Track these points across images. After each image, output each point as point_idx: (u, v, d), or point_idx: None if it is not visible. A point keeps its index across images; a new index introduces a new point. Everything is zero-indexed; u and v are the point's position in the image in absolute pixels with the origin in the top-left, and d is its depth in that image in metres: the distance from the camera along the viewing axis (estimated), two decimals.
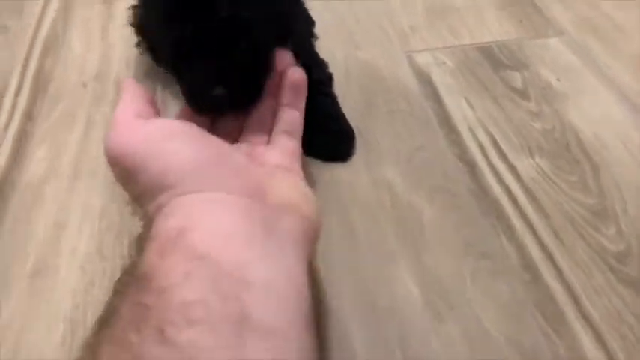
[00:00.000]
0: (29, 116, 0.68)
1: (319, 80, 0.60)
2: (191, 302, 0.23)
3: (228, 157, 0.33)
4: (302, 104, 0.42)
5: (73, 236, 0.54)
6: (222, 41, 0.42)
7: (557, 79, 0.69)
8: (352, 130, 0.60)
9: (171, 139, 0.32)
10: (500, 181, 0.57)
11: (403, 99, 0.67)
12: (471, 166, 0.59)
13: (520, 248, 0.51)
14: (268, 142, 0.41)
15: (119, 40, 0.80)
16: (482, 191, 0.56)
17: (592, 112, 0.64)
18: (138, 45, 0.67)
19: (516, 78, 0.69)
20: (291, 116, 0.41)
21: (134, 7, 0.63)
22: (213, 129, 0.43)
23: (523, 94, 0.67)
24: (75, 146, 0.64)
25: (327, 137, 0.58)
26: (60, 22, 0.84)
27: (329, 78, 0.64)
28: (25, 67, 0.75)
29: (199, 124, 0.36)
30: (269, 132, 0.42)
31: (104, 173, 0.60)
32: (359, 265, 0.49)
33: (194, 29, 0.42)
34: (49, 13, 0.86)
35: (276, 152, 0.39)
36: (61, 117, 0.68)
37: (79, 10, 0.86)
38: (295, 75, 0.41)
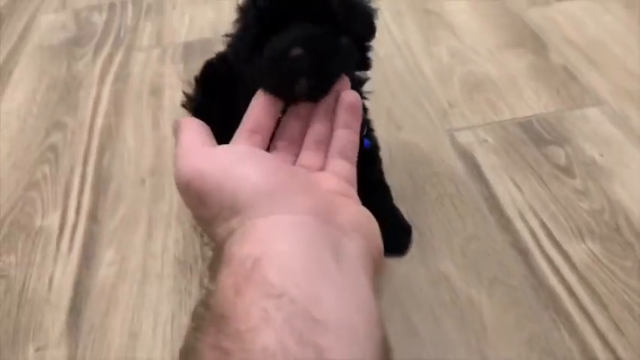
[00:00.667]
0: (94, 218, 0.72)
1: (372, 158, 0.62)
2: (271, 350, 0.24)
3: (297, 178, 0.33)
4: (358, 126, 0.41)
5: (148, 345, 0.57)
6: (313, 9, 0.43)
7: (601, 155, 0.70)
8: (409, 225, 0.62)
9: (241, 163, 0.33)
10: (555, 269, 0.58)
11: (450, 182, 0.69)
12: (525, 254, 0.60)
13: (582, 343, 0.52)
14: (324, 166, 0.40)
15: (170, 130, 0.84)
16: (537, 281, 0.57)
17: (634, 191, 0.65)
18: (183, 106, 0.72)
19: (560, 154, 0.71)
20: (347, 138, 0.40)
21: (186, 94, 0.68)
22: (272, 146, 0.41)
23: (568, 171, 0.68)
24: (140, 247, 0.67)
25: (385, 231, 0.59)
26: (112, 117, 0.88)
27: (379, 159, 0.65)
28: (85, 164, 0.80)
29: (264, 130, 0.38)
30: (324, 155, 0.40)
31: (169, 275, 0.63)
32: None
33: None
34: (102, 105, 0.91)
35: (333, 177, 0.38)
36: (124, 217, 0.71)
37: (129, 102, 0.91)
38: (351, 97, 0.40)
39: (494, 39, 0.93)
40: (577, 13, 0.96)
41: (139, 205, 0.73)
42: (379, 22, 0.50)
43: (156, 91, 0.93)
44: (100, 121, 0.88)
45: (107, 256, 0.67)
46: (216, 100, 0.64)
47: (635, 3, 0.96)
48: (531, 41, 0.91)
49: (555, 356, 0.51)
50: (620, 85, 0.80)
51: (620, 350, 0.51)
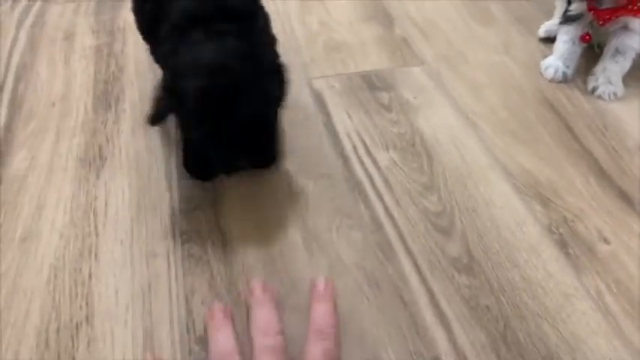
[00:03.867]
0: (9, 129, 0.87)
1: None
2: None
3: None
4: (331, 304, 0.49)
5: (52, 212, 0.73)
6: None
7: (414, 98, 0.94)
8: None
9: None
10: (365, 168, 0.80)
11: (303, 113, 0.90)
12: (345, 159, 0.82)
13: (371, 210, 0.74)
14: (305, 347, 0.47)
15: (79, 69, 1.00)
16: (351, 175, 0.79)
17: (435, 120, 0.89)
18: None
19: (385, 97, 0.94)
20: (322, 312, 0.48)
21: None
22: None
23: (388, 108, 0.91)
24: (48, 149, 0.83)
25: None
26: (27, 55, 1.03)
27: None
28: (0, 91, 0.94)
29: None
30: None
31: (73, 168, 0.79)
32: (261, 226, 0.71)
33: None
34: (19, 46, 1.05)
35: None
36: (35, 129, 0.87)
37: (44, 44, 1.06)
38: (321, 285, 0.51)
39: (355, 13, 1.16)
40: None
41: (49, 121, 0.89)
42: None
43: (69, 37, 1.08)
44: (16, 59, 1.03)
45: (19, 154, 0.82)
46: None
47: None
48: (383, 17, 1.15)
49: (352, 218, 0.73)
50: (440, 52, 1.05)
51: (396, 215, 0.73)
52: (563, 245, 0.69)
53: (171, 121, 0.70)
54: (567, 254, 0.68)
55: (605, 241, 0.70)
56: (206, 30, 0.65)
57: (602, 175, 0.79)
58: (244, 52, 0.65)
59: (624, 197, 0.76)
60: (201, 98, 0.62)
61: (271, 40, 0.79)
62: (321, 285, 0.51)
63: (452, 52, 1.05)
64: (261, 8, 0.79)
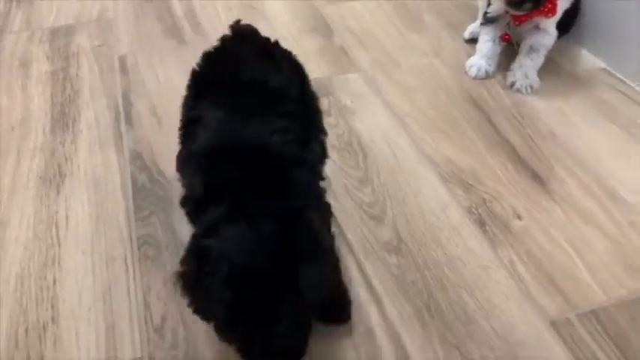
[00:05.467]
0: None
1: None
2: None
3: None
4: None
5: (16, 229, 0.79)
6: None
7: (352, 102, 1.02)
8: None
9: None
10: None
11: None
12: None
13: None
14: None
15: (36, 94, 1.06)
16: None
17: (370, 122, 0.97)
18: None
19: (325, 102, 1.02)
20: None
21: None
22: None
23: (328, 112, 0.99)
24: (11, 170, 0.89)
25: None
26: None
27: None
28: None
29: None
30: None
31: (34, 187, 0.85)
32: None
33: None
34: None
35: None
36: None
37: (1, 72, 1.11)
38: None
39: (297, 27, 1.24)
40: (359, 9, 1.29)
41: (9, 144, 0.94)
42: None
43: (24, 64, 1.13)
44: None
45: None
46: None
47: (400, 4, 1.31)
48: (323, 29, 1.23)
49: None
50: (376, 59, 1.14)
51: (335, 209, 0.80)
52: (481, 224, 0.78)
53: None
54: (485, 231, 0.77)
55: (519, 217, 0.79)
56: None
57: (518, 160, 0.88)
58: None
59: (537, 178, 0.85)
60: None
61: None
62: None
63: (386, 58, 1.14)
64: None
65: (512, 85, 1.03)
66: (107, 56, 1.15)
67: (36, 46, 1.19)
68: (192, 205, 0.57)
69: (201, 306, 0.51)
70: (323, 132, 0.73)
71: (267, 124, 0.58)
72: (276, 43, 0.74)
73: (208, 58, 0.70)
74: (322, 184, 0.66)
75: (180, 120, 0.67)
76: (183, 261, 0.52)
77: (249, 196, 0.52)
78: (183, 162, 0.62)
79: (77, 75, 1.10)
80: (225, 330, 0.52)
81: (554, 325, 0.66)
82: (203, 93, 0.65)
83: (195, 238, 0.53)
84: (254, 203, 0.52)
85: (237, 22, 0.75)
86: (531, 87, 1.02)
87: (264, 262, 0.49)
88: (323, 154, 0.71)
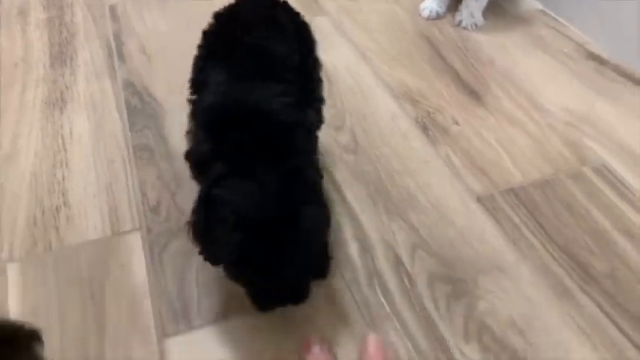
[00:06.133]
0: None
1: None
2: None
3: None
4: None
5: (26, 139, 0.92)
6: None
7: (320, 40, 1.15)
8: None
9: None
10: None
11: None
12: None
13: None
14: None
15: (35, 38, 1.17)
16: None
17: (335, 57, 1.10)
18: None
19: None
20: None
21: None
22: None
23: None
24: (17, 98, 1.01)
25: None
26: None
27: None
28: None
29: None
30: None
31: (40, 110, 0.98)
32: None
33: None
34: None
35: None
36: (2, 83, 1.04)
37: (1, 20, 1.23)
38: (372, 347, 0.42)
39: None
40: None
41: (15, 78, 1.06)
42: None
43: (22, 12, 1.25)
44: None
45: None
46: None
47: None
48: None
49: None
50: (342, 5, 1.27)
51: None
52: (425, 129, 0.92)
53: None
54: (427, 135, 0.91)
55: (457, 123, 0.93)
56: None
57: (460, 82, 1.02)
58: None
59: (475, 95, 0.99)
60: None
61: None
62: (372, 348, 0.45)
63: (351, 3, 1.27)
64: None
65: (460, 23, 1.17)
66: (98, 6, 1.27)
67: None
68: (196, 160, 0.61)
69: (211, 251, 0.56)
70: (321, 100, 0.78)
71: (268, 89, 0.62)
72: (285, 3, 0.77)
73: (218, 19, 0.72)
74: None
75: (190, 80, 0.70)
76: (193, 211, 0.57)
77: (251, 155, 0.56)
78: (190, 119, 0.66)
79: (72, 21, 1.22)
80: (235, 271, 0.57)
81: (479, 199, 0.80)
82: (212, 54, 0.68)
83: (203, 189, 0.58)
84: (256, 161, 0.56)
85: None
86: (476, 25, 1.16)
87: (269, 208, 0.54)
88: (319, 120, 0.77)
